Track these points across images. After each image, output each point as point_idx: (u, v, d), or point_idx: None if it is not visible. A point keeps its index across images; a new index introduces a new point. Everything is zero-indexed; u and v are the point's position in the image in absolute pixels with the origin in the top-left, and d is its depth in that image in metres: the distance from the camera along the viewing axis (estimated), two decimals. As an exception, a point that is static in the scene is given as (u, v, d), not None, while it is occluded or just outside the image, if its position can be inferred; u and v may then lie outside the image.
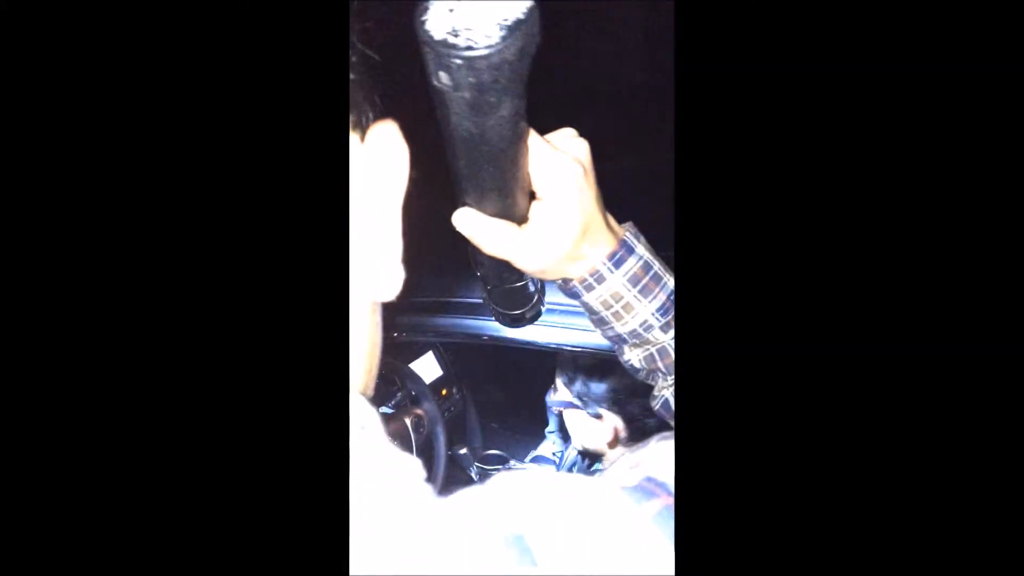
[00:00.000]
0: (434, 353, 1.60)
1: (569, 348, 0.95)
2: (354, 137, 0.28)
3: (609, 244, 0.46)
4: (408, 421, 1.42)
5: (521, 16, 0.28)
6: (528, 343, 0.98)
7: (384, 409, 1.46)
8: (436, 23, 0.28)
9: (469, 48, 0.28)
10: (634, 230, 0.48)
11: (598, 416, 1.02)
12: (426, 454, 1.46)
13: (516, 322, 0.58)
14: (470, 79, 0.29)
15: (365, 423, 0.26)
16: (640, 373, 0.53)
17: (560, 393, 1.10)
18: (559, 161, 0.40)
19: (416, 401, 1.49)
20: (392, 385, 1.51)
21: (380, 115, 0.29)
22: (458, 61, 0.28)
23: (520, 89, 0.32)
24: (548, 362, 1.18)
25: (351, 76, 0.27)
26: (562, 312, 0.94)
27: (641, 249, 0.47)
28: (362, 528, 0.22)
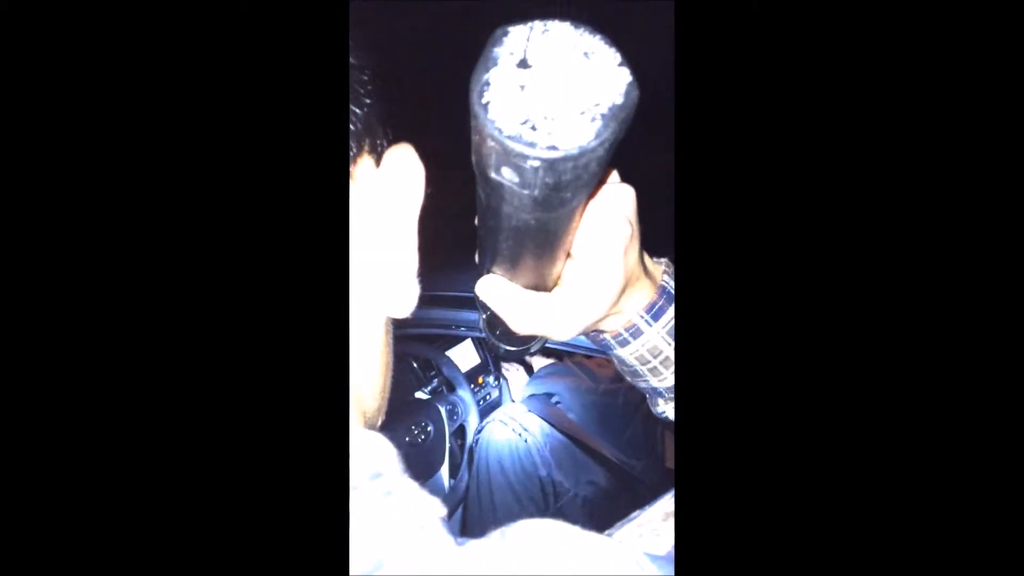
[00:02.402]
0: (472, 341, 1.60)
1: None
2: (370, 161, 0.28)
3: (646, 293, 0.40)
4: (442, 408, 1.43)
5: (619, 99, 0.21)
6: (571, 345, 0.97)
7: (419, 394, 1.48)
8: (504, 108, 0.21)
9: (551, 148, 0.21)
10: (672, 269, 0.43)
11: None
12: (459, 441, 1.47)
13: (518, 356, 0.54)
14: (547, 180, 0.22)
15: (382, 469, 0.25)
16: (665, 415, 0.48)
17: None
18: (606, 223, 0.34)
19: (451, 388, 1.50)
20: (429, 370, 1.52)
21: (394, 140, 0.29)
22: (535, 163, 0.21)
23: (599, 178, 0.25)
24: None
25: (367, 101, 0.26)
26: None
27: None
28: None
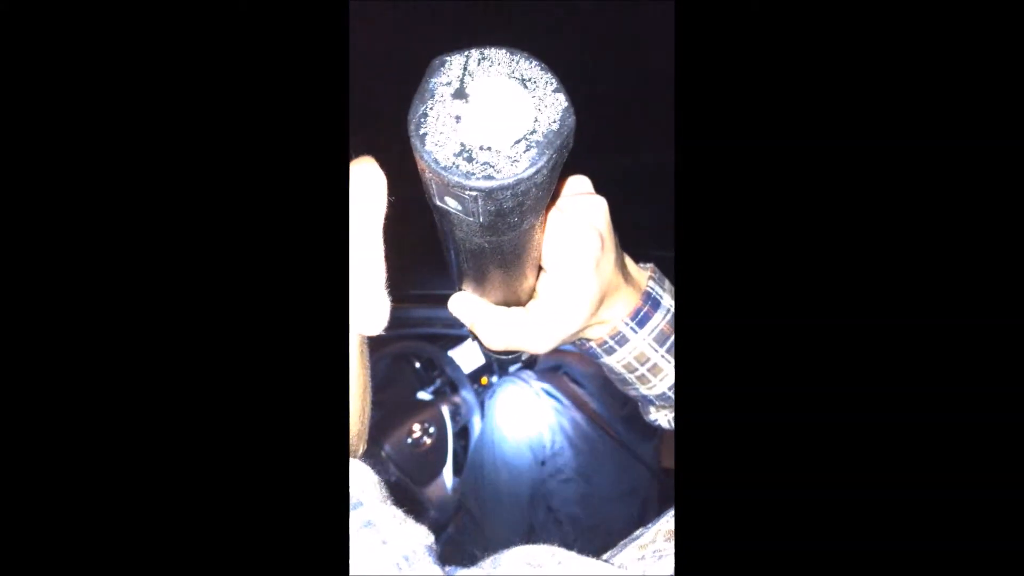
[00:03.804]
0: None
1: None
2: None
3: (630, 300, 0.39)
4: (445, 409, 1.42)
5: (554, 126, 0.21)
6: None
7: (422, 395, 1.47)
8: (439, 138, 0.21)
9: (488, 177, 0.21)
10: (658, 275, 0.41)
11: None
12: (462, 443, 1.46)
13: (510, 364, 0.53)
14: (488, 208, 0.22)
15: (362, 499, 0.24)
16: (657, 423, 0.48)
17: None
18: (575, 235, 0.34)
19: (455, 388, 1.49)
20: (432, 370, 1.51)
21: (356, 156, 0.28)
22: (472, 193, 0.21)
23: (547, 200, 0.25)
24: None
25: None
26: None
27: (668, 300, 0.40)
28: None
